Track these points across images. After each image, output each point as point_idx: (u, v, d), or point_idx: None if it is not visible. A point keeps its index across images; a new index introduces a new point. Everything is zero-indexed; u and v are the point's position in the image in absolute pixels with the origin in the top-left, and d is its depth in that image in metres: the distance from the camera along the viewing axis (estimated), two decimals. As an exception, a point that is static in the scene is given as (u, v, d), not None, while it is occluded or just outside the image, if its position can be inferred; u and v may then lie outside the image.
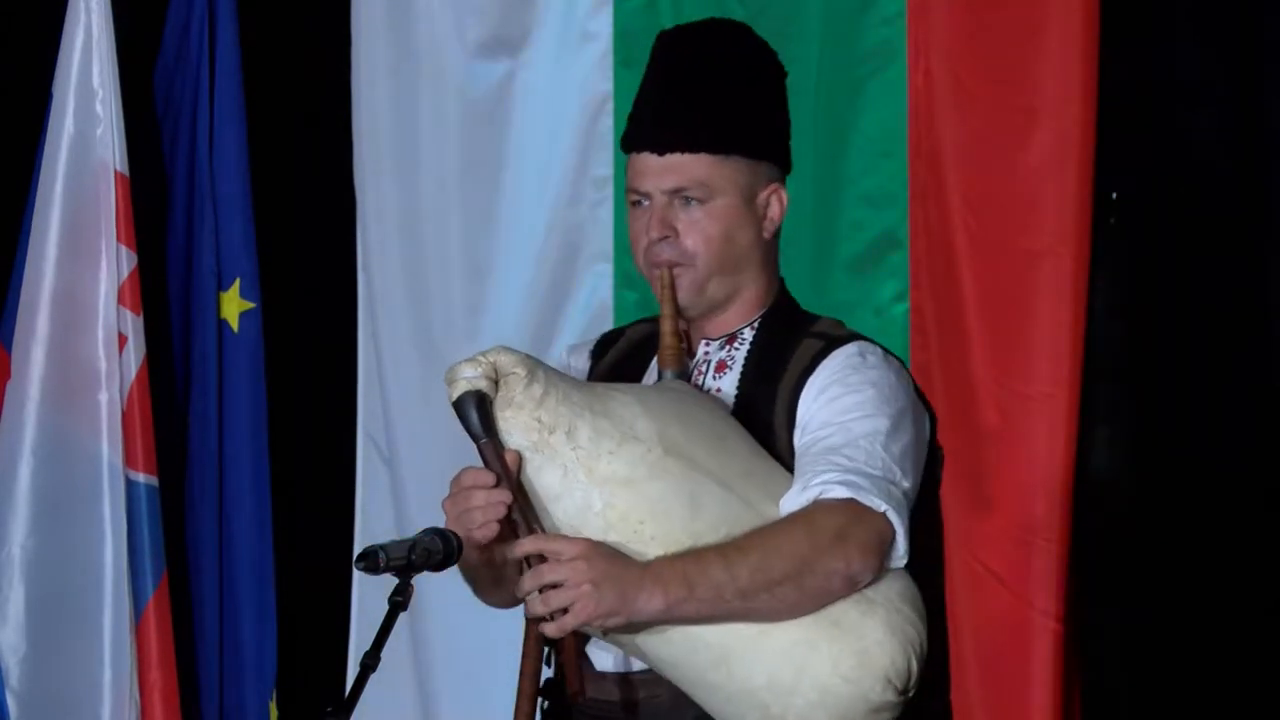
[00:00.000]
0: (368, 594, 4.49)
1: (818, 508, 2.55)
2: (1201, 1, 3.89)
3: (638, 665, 2.66)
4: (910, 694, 2.57)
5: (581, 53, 4.43)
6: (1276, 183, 3.82)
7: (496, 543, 2.57)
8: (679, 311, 2.75)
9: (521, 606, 2.63)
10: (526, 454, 2.53)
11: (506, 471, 2.52)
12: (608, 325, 4.36)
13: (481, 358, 2.54)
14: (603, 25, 4.40)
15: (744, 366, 2.76)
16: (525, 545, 2.50)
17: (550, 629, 2.48)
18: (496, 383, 2.54)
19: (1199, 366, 3.90)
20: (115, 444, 4.35)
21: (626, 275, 4.36)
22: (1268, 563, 3.79)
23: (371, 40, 4.57)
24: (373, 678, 2.50)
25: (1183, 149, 3.90)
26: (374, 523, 4.59)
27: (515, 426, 2.53)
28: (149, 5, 4.63)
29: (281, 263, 4.70)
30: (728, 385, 2.76)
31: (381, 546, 2.53)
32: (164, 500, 4.43)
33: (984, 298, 3.97)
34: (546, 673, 2.68)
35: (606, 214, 4.39)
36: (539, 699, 2.64)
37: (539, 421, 2.53)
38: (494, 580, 2.69)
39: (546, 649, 2.63)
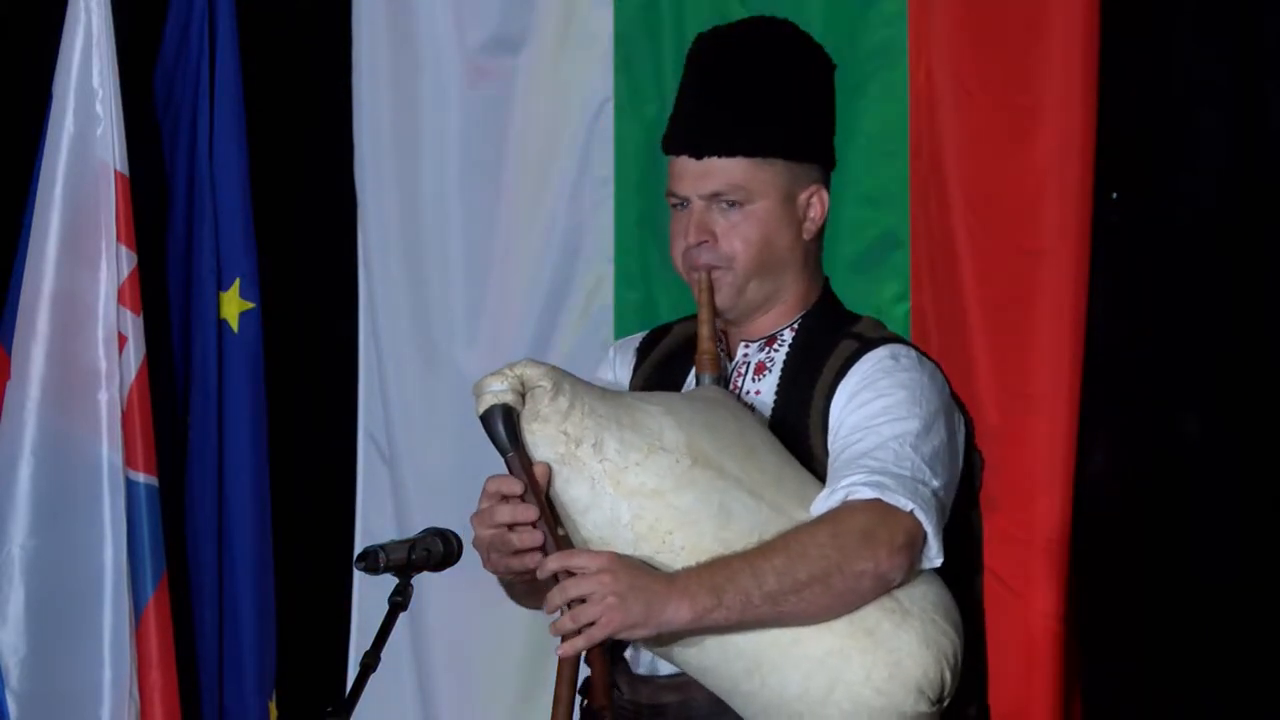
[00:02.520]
0: (368, 594, 4.49)
1: (843, 509, 2.54)
2: (1202, 1, 3.89)
3: (665, 669, 2.65)
4: (945, 703, 2.57)
5: (581, 53, 4.43)
6: (1277, 182, 3.83)
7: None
8: (717, 314, 2.74)
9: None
10: (554, 467, 2.52)
11: (534, 485, 2.51)
12: (608, 326, 4.37)
13: (508, 370, 2.54)
14: (603, 25, 4.40)
15: (782, 369, 2.75)
16: (550, 563, 2.49)
17: (579, 642, 2.47)
18: (523, 395, 2.53)
19: (1199, 366, 3.90)
20: (115, 444, 4.34)
21: (627, 276, 4.36)
22: (1268, 562, 3.79)
23: (372, 40, 4.57)
24: (373, 678, 2.50)
25: (1183, 149, 3.90)
26: (374, 523, 4.59)
27: (542, 440, 2.53)
28: (149, 5, 4.62)
29: (282, 263, 4.70)
30: (766, 388, 2.75)
31: (381, 546, 2.53)
32: (164, 500, 4.42)
33: (985, 297, 3.97)
34: (584, 671, 2.67)
35: (607, 214, 4.39)
36: (579, 698, 2.65)
37: (565, 434, 2.52)
38: (527, 589, 2.67)
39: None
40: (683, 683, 2.63)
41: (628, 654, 2.70)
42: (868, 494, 2.54)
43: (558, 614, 2.50)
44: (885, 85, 4.07)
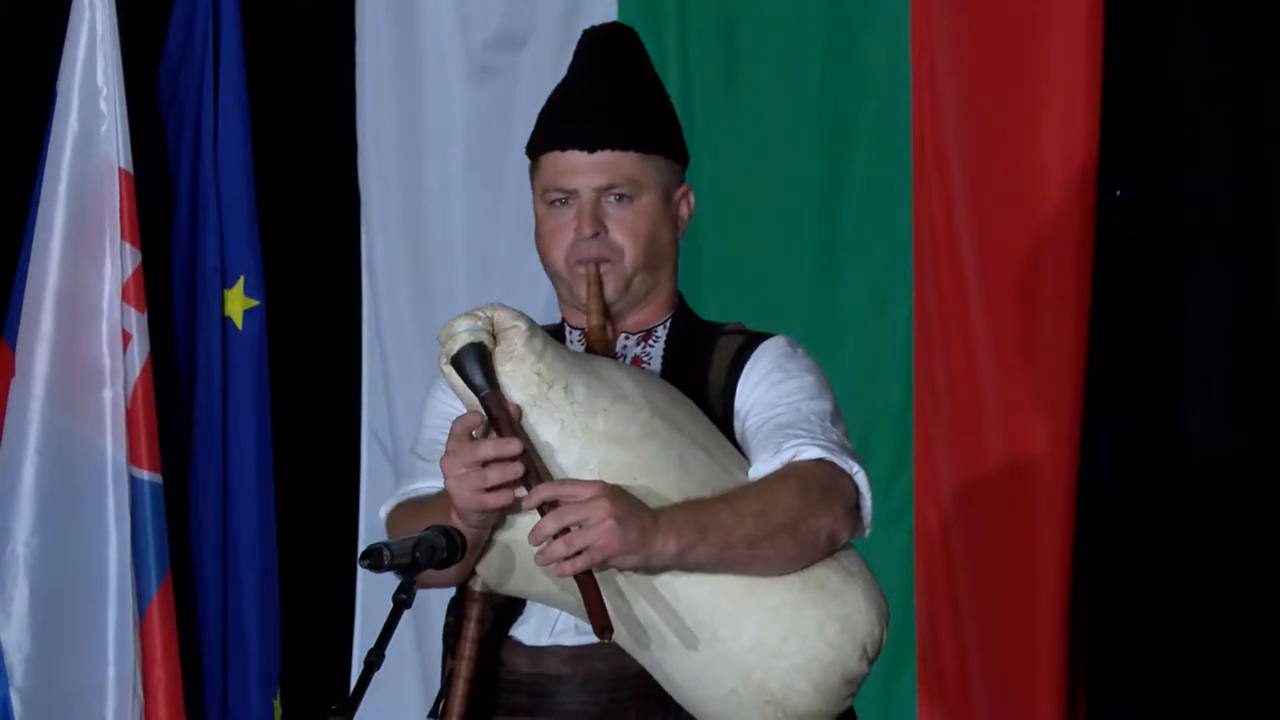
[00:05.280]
0: (371, 592, 4.49)
1: (802, 465, 2.60)
2: (1205, 1, 3.89)
3: (569, 641, 2.68)
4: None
5: (585, 51, 4.42)
6: (1279, 182, 3.83)
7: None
8: (605, 308, 2.79)
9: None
10: (525, 408, 2.54)
11: (512, 422, 2.52)
12: (611, 323, 4.37)
13: (479, 312, 2.56)
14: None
15: (663, 362, 2.80)
16: (541, 492, 2.49)
17: (580, 562, 2.45)
18: (494, 336, 2.55)
19: (1201, 366, 3.90)
20: (119, 441, 4.34)
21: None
22: (1268, 562, 3.80)
23: (376, 38, 4.57)
24: (377, 675, 2.50)
25: (1186, 148, 3.90)
26: (378, 520, 4.58)
27: (515, 380, 2.54)
28: (153, 2, 4.63)
29: (286, 260, 4.71)
30: None
31: (385, 544, 2.53)
32: (168, 498, 4.43)
33: (987, 296, 3.97)
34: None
35: (610, 212, 4.39)
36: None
37: (539, 375, 2.54)
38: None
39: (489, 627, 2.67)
40: (588, 654, 2.66)
41: (515, 631, 2.72)
42: (816, 453, 2.60)
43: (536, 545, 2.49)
44: (888, 83, 4.08)
